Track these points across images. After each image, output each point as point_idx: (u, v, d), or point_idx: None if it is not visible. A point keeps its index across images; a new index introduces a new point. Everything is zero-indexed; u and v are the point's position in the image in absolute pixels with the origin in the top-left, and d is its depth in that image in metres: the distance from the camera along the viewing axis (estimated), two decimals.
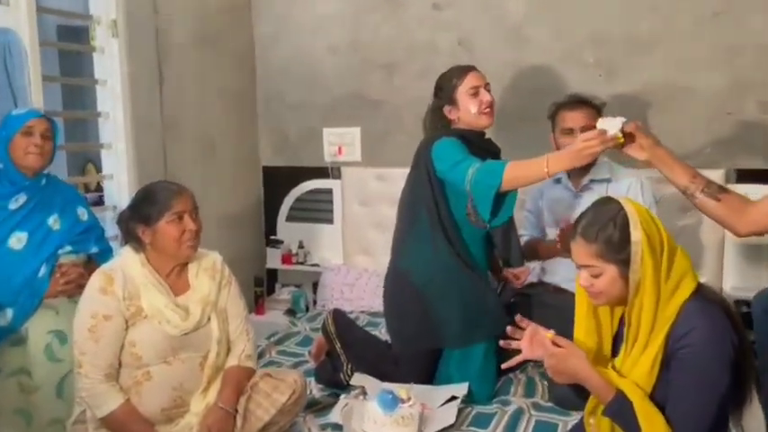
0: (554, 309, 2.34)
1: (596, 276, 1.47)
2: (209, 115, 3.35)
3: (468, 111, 2.25)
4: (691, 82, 2.94)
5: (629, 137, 1.85)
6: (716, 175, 2.88)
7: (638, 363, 1.46)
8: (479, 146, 2.26)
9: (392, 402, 1.89)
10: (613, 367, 1.53)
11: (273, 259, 3.59)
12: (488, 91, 2.27)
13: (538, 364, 2.47)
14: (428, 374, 2.29)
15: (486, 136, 2.35)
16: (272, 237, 3.65)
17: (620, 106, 2.98)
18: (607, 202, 1.52)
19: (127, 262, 1.85)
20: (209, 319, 1.90)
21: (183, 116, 3.16)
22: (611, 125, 1.80)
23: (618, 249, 1.43)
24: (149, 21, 2.93)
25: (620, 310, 1.57)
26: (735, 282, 2.90)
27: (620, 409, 1.43)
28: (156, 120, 2.99)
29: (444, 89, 2.30)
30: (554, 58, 3.12)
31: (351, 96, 3.51)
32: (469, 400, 2.18)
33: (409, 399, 1.93)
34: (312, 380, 2.34)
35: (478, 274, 2.30)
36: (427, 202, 2.24)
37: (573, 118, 2.41)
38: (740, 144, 2.90)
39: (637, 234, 1.42)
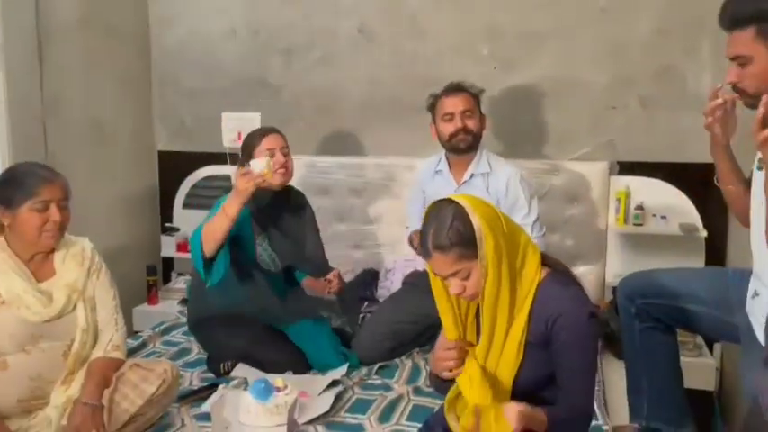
0: None
1: (466, 279, 1.47)
2: (98, 99, 3.23)
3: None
4: (578, 76, 3.02)
5: None
6: (599, 168, 3.03)
7: (504, 351, 1.50)
8: (268, 203, 2.35)
9: (265, 391, 1.83)
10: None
11: (169, 247, 3.47)
12: (285, 154, 2.35)
13: (423, 349, 2.55)
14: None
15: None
16: (168, 224, 3.53)
17: (513, 99, 3.05)
18: (440, 206, 1.51)
19: None
20: (74, 306, 1.84)
21: (66, 99, 3.01)
22: (257, 165, 2.10)
23: (473, 243, 1.44)
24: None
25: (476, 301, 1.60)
26: (617, 269, 3.01)
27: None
28: (36, 102, 2.84)
29: (246, 148, 2.37)
30: (450, 48, 3.15)
31: (250, 81, 3.44)
32: (352, 369, 2.33)
33: (285, 387, 1.91)
34: (195, 370, 2.33)
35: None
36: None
37: (453, 103, 2.46)
38: (623, 137, 3.01)
39: (476, 219, 1.45)
